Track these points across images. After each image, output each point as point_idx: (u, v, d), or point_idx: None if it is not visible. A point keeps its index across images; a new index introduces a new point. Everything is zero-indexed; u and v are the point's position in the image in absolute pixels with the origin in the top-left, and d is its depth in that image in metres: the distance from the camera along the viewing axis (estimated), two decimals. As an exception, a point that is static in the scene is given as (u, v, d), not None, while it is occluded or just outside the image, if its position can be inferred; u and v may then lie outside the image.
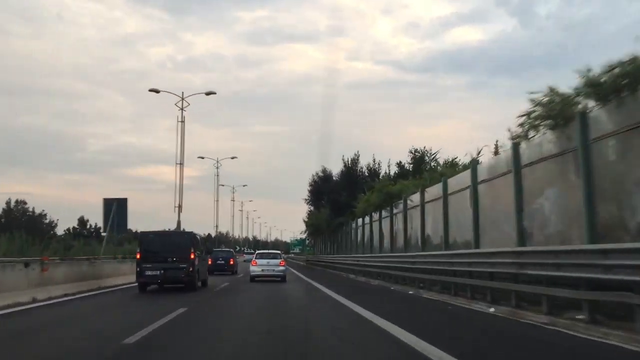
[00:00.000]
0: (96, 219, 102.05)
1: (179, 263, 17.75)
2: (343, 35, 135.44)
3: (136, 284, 18.13)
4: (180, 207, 36.96)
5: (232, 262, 33.63)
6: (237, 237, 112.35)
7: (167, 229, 27.14)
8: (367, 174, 51.21)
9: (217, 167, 63.33)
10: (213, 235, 75.00)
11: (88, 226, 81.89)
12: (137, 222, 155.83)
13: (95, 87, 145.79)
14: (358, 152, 53.89)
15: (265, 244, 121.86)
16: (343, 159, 53.25)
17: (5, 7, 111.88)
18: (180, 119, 36.77)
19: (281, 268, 24.16)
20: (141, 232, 21.54)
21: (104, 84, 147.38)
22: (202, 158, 64.01)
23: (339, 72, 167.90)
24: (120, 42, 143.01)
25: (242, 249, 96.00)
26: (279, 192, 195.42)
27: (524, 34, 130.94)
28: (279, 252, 27.46)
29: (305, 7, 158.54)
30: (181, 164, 37.00)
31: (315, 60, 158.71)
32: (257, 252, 27.29)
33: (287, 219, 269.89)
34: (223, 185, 78.66)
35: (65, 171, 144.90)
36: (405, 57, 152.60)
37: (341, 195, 49.34)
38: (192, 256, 18.01)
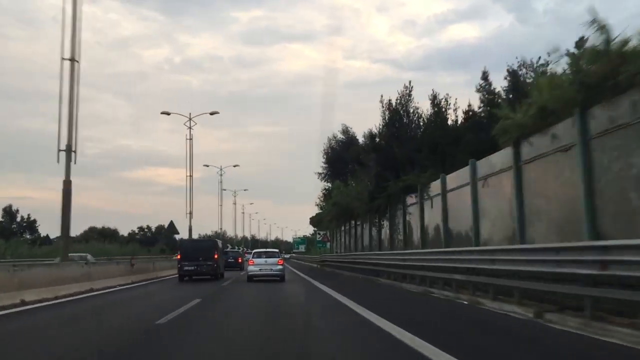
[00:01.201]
0: (29, 210, 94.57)
1: (206, 261, 24.33)
2: (340, 34, 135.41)
3: (168, 277, 26.75)
4: (69, 149, 19.78)
5: (240, 260, 39.39)
6: (232, 236, 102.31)
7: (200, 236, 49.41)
8: (425, 117, 30.96)
9: (190, 127, 44.43)
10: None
11: (19, 218, 62.36)
12: (137, 223, 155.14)
13: (92, 91, 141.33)
14: (410, 83, 32.76)
15: (264, 244, 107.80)
16: (381, 100, 32.45)
17: (1, 10, 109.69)
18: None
19: (279, 267, 23.27)
20: (180, 239, 37.71)
21: (101, 87, 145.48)
22: (168, 114, 43.85)
23: (337, 71, 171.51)
24: (116, 45, 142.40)
25: (239, 248, 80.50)
26: (278, 193, 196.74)
27: (521, 30, 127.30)
28: (276, 250, 26.29)
29: (301, 6, 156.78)
30: (74, 59, 21.08)
31: (312, 59, 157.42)
32: (255, 251, 26.13)
33: (287, 219, 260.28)
34: (207, 166, 66.33)
35: (64, 175, 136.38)
36: (403, 55, 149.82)
37: (391, 151, 29.57)
38: (216, 256, 24.90)
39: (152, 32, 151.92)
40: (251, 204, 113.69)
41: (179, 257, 24.89)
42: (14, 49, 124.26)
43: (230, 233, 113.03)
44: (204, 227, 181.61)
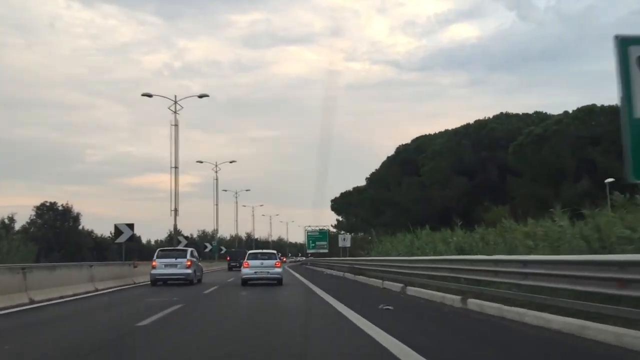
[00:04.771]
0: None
1: (241, 260, 31.63)
2: (339, 36, 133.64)
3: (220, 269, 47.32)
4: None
5: None
6: (224, 236, 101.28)
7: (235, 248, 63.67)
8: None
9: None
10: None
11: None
12: (139, 229, 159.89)
13: (91, 98, 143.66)
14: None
15: (264, 245, 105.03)
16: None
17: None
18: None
19: (277, 270, 21.73)
20: (227, 250, 61.87)
21: (100, 94, 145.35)
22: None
23: (337, 74, 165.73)
24: (114, 51, 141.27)
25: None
26: (279, 197, 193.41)
27: (522, 28, 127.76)
28: (274, 252, 24.32)
29: (299, 8, 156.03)
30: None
31: (312, 62, 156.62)
32: (250, 252, 24.29)
33: (289, 223, 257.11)
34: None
35: (65, 182, 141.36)
36: (403, 56, 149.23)
37: None
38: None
39: (151, 37, 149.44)
40: (257, 206, 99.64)
41: (228, 258, 48.99)
42: (12, 57, 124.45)
43: (224, 233, 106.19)
44: (190, 227, 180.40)
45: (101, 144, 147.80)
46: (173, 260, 21.74)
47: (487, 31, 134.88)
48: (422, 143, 54.29)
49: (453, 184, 44.10)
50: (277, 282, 21.38)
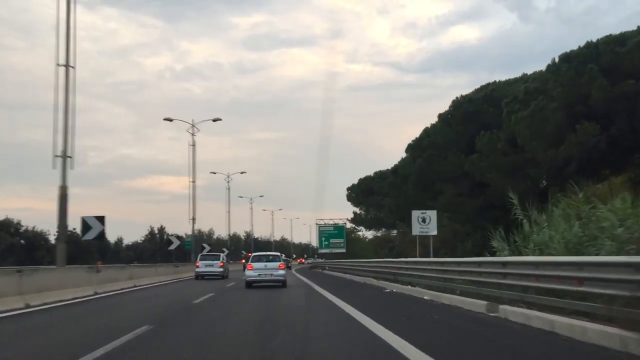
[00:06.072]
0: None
1: None
2: (340, 37, 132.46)
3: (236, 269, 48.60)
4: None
5: None
6: (222, 236, 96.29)
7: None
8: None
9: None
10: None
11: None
12: (139, 231, 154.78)
13: (93, 100, 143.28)
14: None
15: (266, 245, 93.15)
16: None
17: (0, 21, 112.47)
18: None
19: (281, 272, 21.57)
20: (248, 252, 56.09)
21: (103, 96, 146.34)
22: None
23: (338, 76, 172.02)
24: (116, 54, 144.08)
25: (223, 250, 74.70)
26: (280, 199, 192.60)
27: (523, 29, 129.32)
28: (278, 254, 24.18)
29: (301, 10, 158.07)
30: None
31: (313, 64, 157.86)
32: (253, 254, 24.41)
33: (291, 225, 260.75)
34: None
35: (60, 181, 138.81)
36: (404, 57, 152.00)
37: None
38: None
39: (152, 40, 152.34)
40: (255, 197, 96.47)
41: (243, 261, 48.97)
42: (14, 59, 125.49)
43: (222, 234, 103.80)
44: (188, 227, 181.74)
45: (103, 146, 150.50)
46: (211, 262, 31.43)
47: (488, 33, 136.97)
48: (493, 90, 36.41)
49: (574, 137, 27.08)
50: (282, 284, 21.46)
